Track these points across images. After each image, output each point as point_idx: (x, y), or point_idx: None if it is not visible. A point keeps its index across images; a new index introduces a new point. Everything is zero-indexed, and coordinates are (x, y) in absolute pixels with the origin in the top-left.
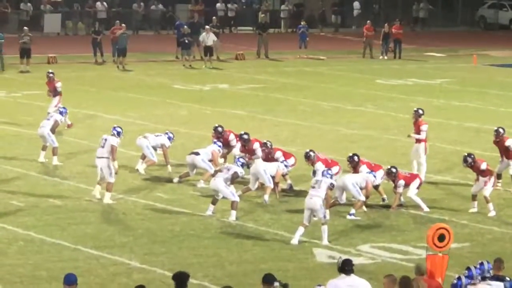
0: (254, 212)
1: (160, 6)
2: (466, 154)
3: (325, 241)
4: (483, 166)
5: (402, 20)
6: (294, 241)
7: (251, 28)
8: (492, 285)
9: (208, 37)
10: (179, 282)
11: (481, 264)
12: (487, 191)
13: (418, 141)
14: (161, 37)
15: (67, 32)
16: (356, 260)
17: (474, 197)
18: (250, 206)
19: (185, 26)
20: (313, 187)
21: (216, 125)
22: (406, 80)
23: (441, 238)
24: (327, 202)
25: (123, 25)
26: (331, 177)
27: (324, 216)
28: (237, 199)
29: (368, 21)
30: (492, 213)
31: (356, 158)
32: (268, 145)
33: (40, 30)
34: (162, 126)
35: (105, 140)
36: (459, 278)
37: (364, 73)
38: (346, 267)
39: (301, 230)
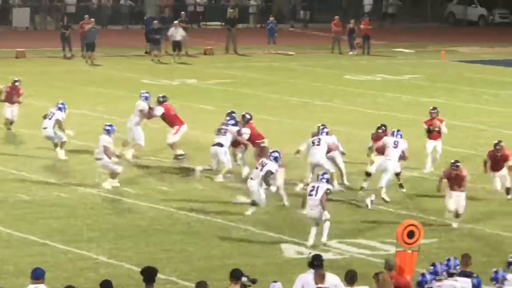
0: (222, 207)
1: (129, 1)
2: (452, 161)
3: (324, 238)
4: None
5: (370, 16)
6: (310, 242)
7: (219, 23)
8: (459, 281)
9: (176, 32)
10: (147, 277)
11: (448, 260)
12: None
13: (435, 137)
14: (129, 31)
15: (36, 26)
16: (324, 256)
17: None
18: (218, 202)
19: (155, 21)
20: (310, 195)
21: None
22: (375, 75)
23: (411, 234)
24: (324, 204)
25: (92, 19)
26: (327, 182)
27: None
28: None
29: (336, 17)
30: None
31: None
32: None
33: (9, 24)
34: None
35: (100, 140)
36: (423, 275)
37: (333, 68)
38: (315, 262)
39: (314, 230)
